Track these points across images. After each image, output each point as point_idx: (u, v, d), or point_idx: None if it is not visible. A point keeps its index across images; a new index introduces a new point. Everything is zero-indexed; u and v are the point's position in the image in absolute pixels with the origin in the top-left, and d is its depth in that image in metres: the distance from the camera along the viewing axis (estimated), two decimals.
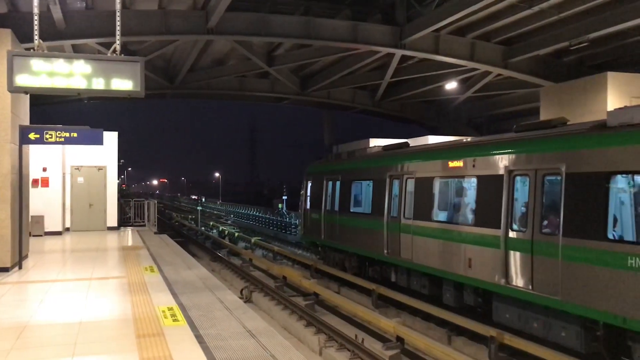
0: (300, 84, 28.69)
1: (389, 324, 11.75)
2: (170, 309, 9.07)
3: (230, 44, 22.80)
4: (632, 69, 18.99)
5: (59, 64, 8.47)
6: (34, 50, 8.88)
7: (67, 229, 22.71)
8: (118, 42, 8.91)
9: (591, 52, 20.11)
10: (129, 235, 22.08)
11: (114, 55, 8.86)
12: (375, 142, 20.64)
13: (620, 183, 8.36)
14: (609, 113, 8.93)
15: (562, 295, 8.94)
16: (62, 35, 16.61)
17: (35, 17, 9.07)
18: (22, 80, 8.44)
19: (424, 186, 13.31)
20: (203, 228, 40.32)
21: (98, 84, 8.56)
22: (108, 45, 19.69)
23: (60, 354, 6.83)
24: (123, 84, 8.58)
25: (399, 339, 11.33)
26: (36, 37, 8.97)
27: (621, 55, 20.06)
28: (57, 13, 15.38)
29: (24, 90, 9.14)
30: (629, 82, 17.27)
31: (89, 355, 6.82)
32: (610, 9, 16.54)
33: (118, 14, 9.34)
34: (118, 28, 8.99)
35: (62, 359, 6.64)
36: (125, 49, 19.20)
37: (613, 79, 17.21)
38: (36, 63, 8.50)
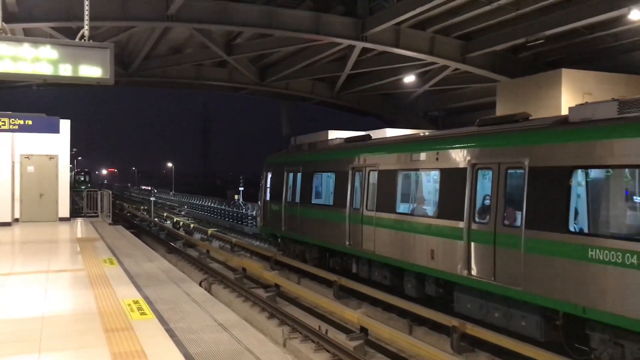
0: (259, 74, 28.46)
1: (353, 314, 11.85)
2: (135, 302, 8.89)
3: (188, 32, 22.40)
4: (583, 65, 19.61)
5: (24, 49, 8.12)
6: None
7: (17, 220, 21.93)
8: (86, 27, 8.61)
9: (545, 49, 20.66)
10: (82, 226, 21.50)
11: (83, 41, 8.56)
12: (334, 134, 20.71)
13: (581, 177, 8.64)
14: (571, 109, 9.20)
15: (523, 285, 9.20)
16: (14, 18, 15.93)
17: None
18: None
19: (386, 178, 13.43)
20: (157, 219, 39.63)
21: (65, 70, 8.25)
22: (62, 30, 19.16)
23: (25, 350, 6.60)
24: (91, 71, 8.29)
25: (363, 330, 11.44)
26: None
27: (573, 53, 20.69)
28: None
29: None
30: (582, 79, 17.83)
31: (56, 351, 6.61)
32: (565, 7, 17.03)
33: None
34: (86, 12, 8.68)
35: (28, 356, 6.42)
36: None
37: (567, 75, 17.73)
38: None
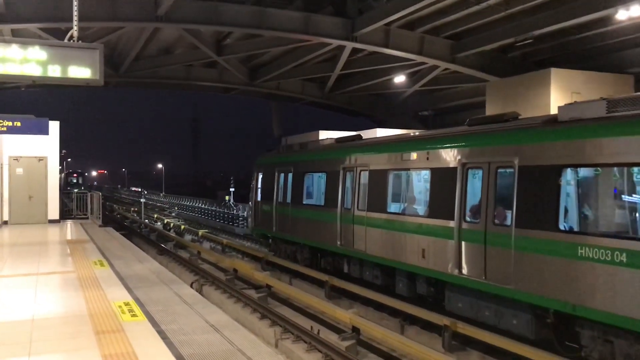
0: (249, 74, 28.38)
1: (344, 314, 11.87)
2: (126, 304, 8.84)
3: (178, 32, 22.29)
4: (571, 65, 19.71)
5: (12, 50, 8.06)
6: None
7: (5, 222, 21.77)
8: (75, 28, 8.55)
9: (534, 49, 20.74)
10: (72, 228, 21.37)
11: (72, 41, 8.51)
12: (325, 134, 20.70)
13: (570, 176, 8.70)
14: (560, 108, 9.26)
15: (514, 284, 9.25)
16: (2, 19, 15.80)
17: None
18: None
19: (377, 178, 13.46)
20: (147, 221, 39.47)
21: (54, 71, 8.20)
22: (51, 31, 19.01)
23: (15, 353, 6.55)
24: (81, 72, 8.25)
25: (355, 330, 11.45)
26: None
27: (562, 52, 20.80)
28: None
29: None
30: (570, 78, 17.90)
31: (46, 353, 6.56)
32: (554, 7, 17.13)
33: None
34: (75, 13, 8.62)
35: (18, 359, 6.37)
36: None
37: (556, 74, 17.79)
38: None
